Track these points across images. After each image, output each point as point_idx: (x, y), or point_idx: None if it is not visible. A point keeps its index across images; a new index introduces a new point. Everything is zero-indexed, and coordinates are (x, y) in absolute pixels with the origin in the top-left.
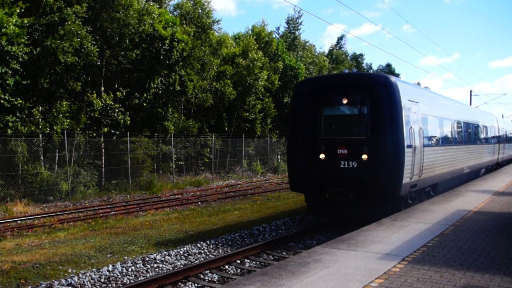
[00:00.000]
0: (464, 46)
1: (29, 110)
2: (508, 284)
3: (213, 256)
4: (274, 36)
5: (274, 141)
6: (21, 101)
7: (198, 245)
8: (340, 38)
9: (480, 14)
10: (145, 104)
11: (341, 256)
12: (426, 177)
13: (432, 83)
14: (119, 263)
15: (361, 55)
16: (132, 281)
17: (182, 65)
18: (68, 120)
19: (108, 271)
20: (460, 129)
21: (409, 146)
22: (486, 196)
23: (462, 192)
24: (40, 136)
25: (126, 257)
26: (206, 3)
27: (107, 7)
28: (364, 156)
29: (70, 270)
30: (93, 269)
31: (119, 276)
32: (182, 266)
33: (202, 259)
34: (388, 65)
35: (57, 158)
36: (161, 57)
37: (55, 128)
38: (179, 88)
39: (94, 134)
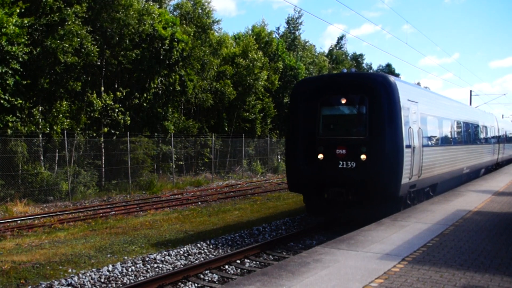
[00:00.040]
0: (464, 46)
1: (29, 110)
2: (508, 284)
3: (213, 256)
4: (274, 36)
5: (274, 141)
6: (21, 101)
7: (198, 245)
8: (340, 38)
9: (480, 14)
10: (145, 104)
11: (341, 256)
12: (425, 178)
13: (432, 83)
14: (119, 263)
15: (361, 55)
16: (132, 281)
17: (182, 65)
18: (68, 120)
19: (108, 271)
20: (459, 129)
21: (408, 146)
22: (486, 196)
23: (462, 192)
24: (40, 136)
25: (126, 257)
26: (206, 3)
27: (107, 7)
28: (363, 156)
29: (70, 270)
30: (93, 269)
31: (119, 276)
32: (182, 266)
33: (202, 259)
34: (388, 65)
35: (57, 158)
36: (161, 57)
37: (55, 128)
38: (179, 88)
39: (94, 134)
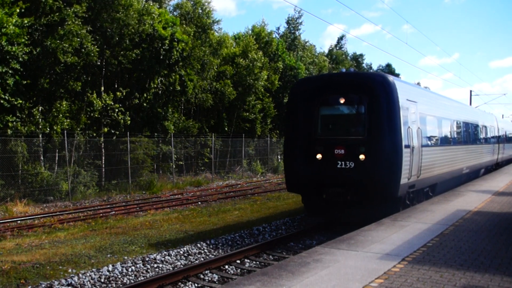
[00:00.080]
0: (464, 46)
1: (29, 110)
2: (508, 284)
3: (213, 256)
4: (274, 36)
5: (274, 141)
6: (21, 101)
7: (198, 245)
8: (340, 38)
9: (480, 14)
10: (145, 104)
11: (341, 256)
12: (425, 178)
13: (432, 83)
14: (119, 263)
15: (361, 55)
16: (132, 281)
17: (182, 65)
18: (68, 120)
19: (108, 271)
20: (459, 129)
21: (407, 146)
22: (486, 196)
23: (462, 192)
24: (40, 136)
25: (126, 257)
26: (206, 3)
27: (107, 7)
28: (362, 156)
29: (70, 270)
30: (93, 269)
31: (119, 276)
32: (182, 266)
33: (202, 259)
34: (388, 65)
35: (57, 158)
36: (161, 57)
37: (55, 128)
38: (179, 88)
39: (94, 134)
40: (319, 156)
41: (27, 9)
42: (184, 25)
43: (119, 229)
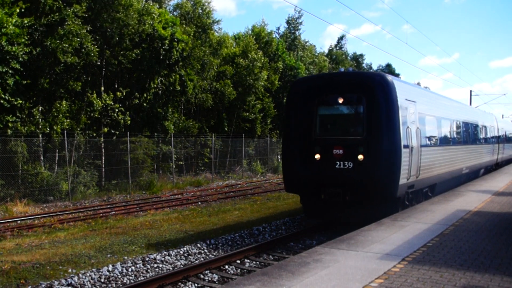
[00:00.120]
0: (464, 46)
1: (29, 110)
2: (508, 284)
3: (213, 256)
4: (274, 36)
5: (274, 141)
6: (21, 101)
7: (198, 245)
8: (340, 38)
9: (480, 14)
10: (145, 104)
11: (341, 256)
12: (424, 178)
13: (432, 83)
14: (119, 263)
15: (361, 55)
16: (132, 281)
17: (182, 65)
18: (68, 120)
19: (108, 271)
20: (459, 129)
21: (406, 146)
22: (486, 196)
23: (462, 192)
24: (40, 136)
25: (126, 257)
26: (206, 3)
27: (107, 7)
28: (360, 157)
29: (70, 270)
30: (93, 269)
31: (119, 276)
32: (182, 266)
33: (202, 259)
34: (388, 65)
35: (57, 158)
36: (161, 57)
37: (55, 128)
38: (179, 88)
39: (94, 134)
40: (317, 156)
41: (27, 9)
42: (184, 25)
43: (119, 229)
